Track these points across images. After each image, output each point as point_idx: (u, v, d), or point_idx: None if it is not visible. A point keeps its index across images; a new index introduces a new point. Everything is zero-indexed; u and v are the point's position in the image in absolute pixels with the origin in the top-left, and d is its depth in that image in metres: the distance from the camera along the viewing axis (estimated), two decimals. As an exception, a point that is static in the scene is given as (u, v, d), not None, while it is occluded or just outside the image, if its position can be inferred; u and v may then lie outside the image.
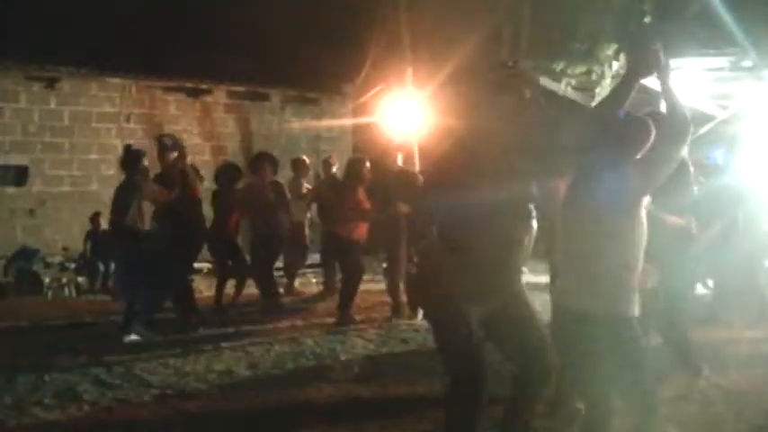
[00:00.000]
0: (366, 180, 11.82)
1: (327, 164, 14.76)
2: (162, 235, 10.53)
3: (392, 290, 11.97)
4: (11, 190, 16.99)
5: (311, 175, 15.44)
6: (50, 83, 17.42)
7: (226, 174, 12.67)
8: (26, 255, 15.47)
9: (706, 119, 15.27)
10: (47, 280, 14.58)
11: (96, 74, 17.92)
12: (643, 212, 4.87)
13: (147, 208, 10.34)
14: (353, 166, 11.95)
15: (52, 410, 7.37)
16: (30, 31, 17.57)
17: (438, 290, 5.19)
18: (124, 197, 10.26)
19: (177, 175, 10.86)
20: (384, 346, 10.19)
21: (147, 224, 10.31)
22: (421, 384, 8.17)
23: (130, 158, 10.47)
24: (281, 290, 13.74)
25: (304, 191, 14.51)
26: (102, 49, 17.50)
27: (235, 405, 7.52)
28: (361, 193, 11.68)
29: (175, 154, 10.98)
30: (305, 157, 15.07)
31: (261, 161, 13.14)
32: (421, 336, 10.82)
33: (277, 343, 10.27)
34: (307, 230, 14.74)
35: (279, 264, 13.72)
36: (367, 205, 11.63)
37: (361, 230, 11.80)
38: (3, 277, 15.09)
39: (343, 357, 9.57)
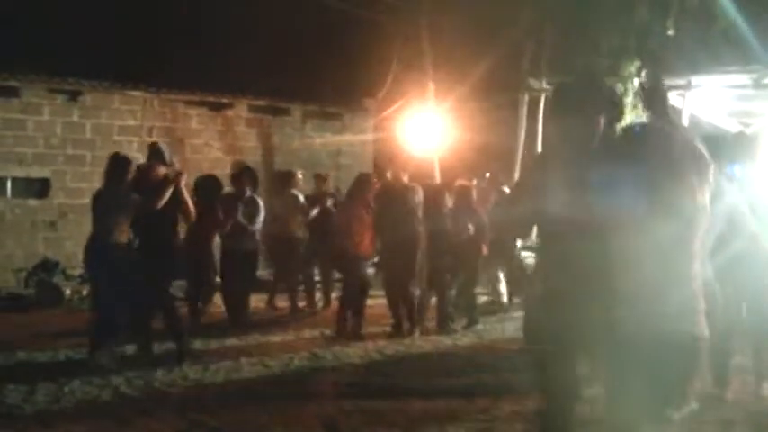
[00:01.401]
0: (371, 196, 11.87)
1: (321, 179, 14.70)
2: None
3: (393, 305, 12.02)
4: (33, 202, 17.08)
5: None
6: (73, 96, 17.51)
7: (206, 186, 12.30)
8: (47, 267, 15.52)
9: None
10: (67, 292, 14.60)
11: (119, 87, 18.00)
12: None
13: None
14: (361, 182, 12.05)
15: (73, 422, 7.38)
16: (53, 44, 17.71)
17: (537, 320, 5.03)
18: (118, 211, 9.54)
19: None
20: (403, 362, 10.18)
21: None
22: (440, 398, 8.17)
23: (117, 167, 9.76)
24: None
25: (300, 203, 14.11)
26: (124, 63, 17.60)
27: (253, 419, 7.50)
28: (367, 209, 11.78)
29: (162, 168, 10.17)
30: (298, 171, 14.92)
31: (239, 175, 13.14)
32: (438, 352, 10.84)
33: (297, 357, 10.28)
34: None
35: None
36: (369, 222, 11.76)
37: (368, 245, 11.86)
38: (24, 289, 15.14)
39: (362, 372, 9.55)
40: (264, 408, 7.90)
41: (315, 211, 13.77)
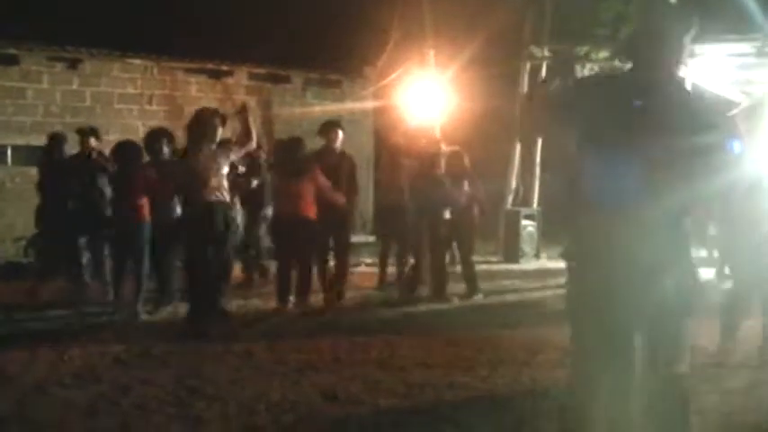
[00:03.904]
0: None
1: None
2: None
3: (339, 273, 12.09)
4: (33, 170, 17.03)
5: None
6: (73, 64, 17.45)
7: (125, 152, 11.33)
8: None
9: (729, 105, 15.20)
10: (67, 260, 14.58)
11: (118, 55, 17.94)
12: None
13: None
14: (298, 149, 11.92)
15: (71, 389, 7.39)
16: (53, 12, 17.64)
17: None
18: None
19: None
20: (402, 330, 10.20)
21: None
22: (439, 367, 8.19)
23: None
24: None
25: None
26: (124, 30, 17.55)
27: (252, 387, 7.51)
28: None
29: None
30: (233, 139, 14.38)
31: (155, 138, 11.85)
32: (438, 320, 10.86)
33: (298, 325, 10.31)
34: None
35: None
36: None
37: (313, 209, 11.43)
38: (23, 258, 15.14)
39: (361, 340, 9.56)
40: (262, 375, 7.92)
41: (255, 183, 13.20)
